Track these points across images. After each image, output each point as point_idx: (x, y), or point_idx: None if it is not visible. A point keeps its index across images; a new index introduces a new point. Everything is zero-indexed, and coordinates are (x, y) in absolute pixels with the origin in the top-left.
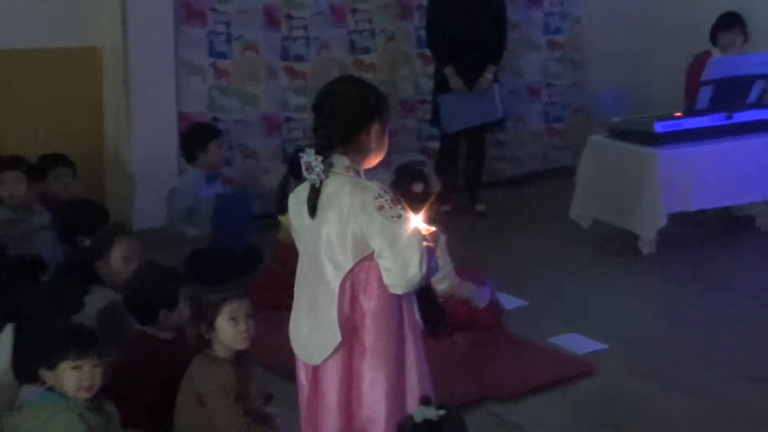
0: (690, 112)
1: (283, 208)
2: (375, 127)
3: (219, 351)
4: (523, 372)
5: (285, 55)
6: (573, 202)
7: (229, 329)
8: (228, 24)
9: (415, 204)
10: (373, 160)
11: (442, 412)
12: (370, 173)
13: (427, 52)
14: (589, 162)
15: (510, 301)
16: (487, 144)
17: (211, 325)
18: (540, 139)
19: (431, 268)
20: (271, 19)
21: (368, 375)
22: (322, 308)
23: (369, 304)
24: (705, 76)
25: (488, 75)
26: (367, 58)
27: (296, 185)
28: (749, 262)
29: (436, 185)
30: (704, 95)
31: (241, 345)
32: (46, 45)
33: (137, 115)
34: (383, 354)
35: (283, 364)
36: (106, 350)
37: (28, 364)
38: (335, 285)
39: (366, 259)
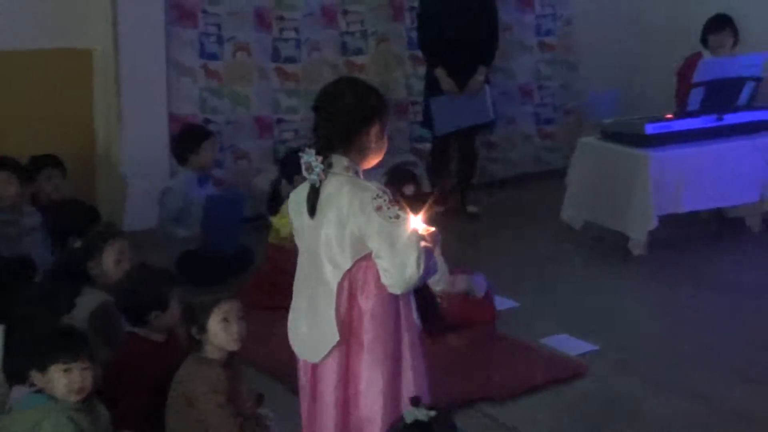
0: (681, 113)
1: (274, 210)
2: (375, 128)
3: (210, 352)
4: (516, 373)
5: (276, 56)
6: (564, 204)
7: (221, 331)
8: (219, 25)
9: (415, 205)
10: (373, 161)
11: (432, 413)
12: (364, 175)
13: (419, 53)
14: (580, 164)
15: (502, 303)
16: (478, 146)
17: (202, 327)
18: (531, 141)
19: (429, 269)
20: (262, 21)
21: (365, 374)
22: (320, 307)
23: (367, 303)
24: (696, 78)
25: (479, 77)
26: (358, 60)
27: (288, 187)
28: (740, 263)
29: (427, 187)
30: (695, 97)
31: (233, 346)
32: (37, 46)
33: (128, 117)
34: (380, 353)
35: (274, 365)
36: (98, 352)
37: (19, 366)
38: (334, 285)
39: (364, 259)
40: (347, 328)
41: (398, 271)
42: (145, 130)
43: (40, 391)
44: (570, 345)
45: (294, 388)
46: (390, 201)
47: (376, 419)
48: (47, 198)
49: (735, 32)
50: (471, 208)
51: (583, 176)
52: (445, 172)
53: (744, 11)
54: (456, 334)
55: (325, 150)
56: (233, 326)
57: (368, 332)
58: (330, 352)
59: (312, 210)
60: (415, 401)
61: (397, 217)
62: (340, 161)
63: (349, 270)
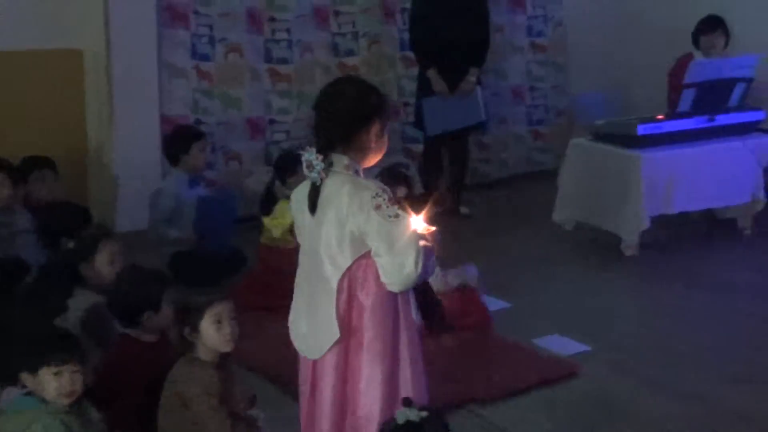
0: (672, 114)
1: (267, 211)
2: (375, 127)
3: (202, 353)
4: (508, 374)
5: (268, 57)
6: (556, 205)
7: (214, 332)
8: (211, 27)
9: (416, 204)
10: (373, 159)
11: (424, 413)
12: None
13: (411, 54)
14: (572, 164)
15: (494, 303)
16: (470, 147)
17: (195, 328)
18: (523, 142)
19: (428, 268)
20: (254, 22)
21: (365, 371)
22: (321, 305)
23: (367, 301)
24: (687, 79)
25: (471, 78)
26: (350, 61)
27: (282, 188)
28: (731, 264)
29: (419, 188)
30: (686, 98)
31: (226, 348)
32: (28, 47)
33: (120, 118)
34: (380, 350)
35: (266, 366)
36: (90, 353)
37: (10, 367)
38: (334, 282)
39: (364, 257)
40: (347, 325)
41: (397, 270)
42: (136, 132)
43: (30, 392)
44: (563, 345)
45: (286, 389)
46: (389, 200)
47: (374, 418)
48: (39, 199)
49: (726, 33)
50: (463, 209)
51: (575, 177)
52: (437, 174)
53: (735, 12)
54: (449, 335)
55: (325, 149)
56: (226, 327)
57: (368, 329)
58: (330, 350)
59: (313, 207)
60: (407, 402)
61: (396, 216)
62: (340, 160)
63: (349, 268)
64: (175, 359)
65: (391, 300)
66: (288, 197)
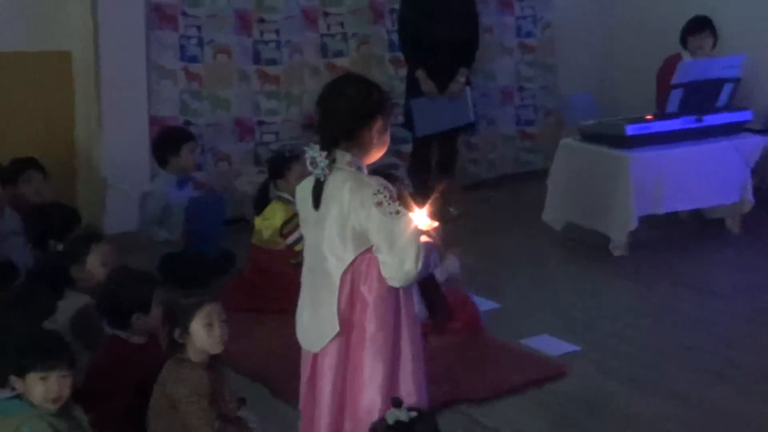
0: (661, 115)
1: (260, 211)
2: (377, 124)
3: (192, 355)
4: (497, 374)
5: (257, 58)
6: (545, 205)
7: (204, 334)
8: (199, 28)
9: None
10: (375, 156)
11: (413, 413)
12: None
13: (400, 55)
14: (561, 165)
15: (483, 304)
16: (459, 147)
17: (185, 330)
18: (512, 142)
19: (430, 263)
20: (242, 23)
21: (368, 364)
22: (323, 299)
23: (369, 295)
24: (675, 80)
25: (460, 78)
26: (339, 62)
27: (274, 189)
28: (720, 264)
29: (408, 189)
30: (674, 98)
31: (216, 349)
32: (16, 48)
33: (109, 119)
34: (382, 344)
35: (255, 367)
36: (79, 355)
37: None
38: (337, 277)
39: (367, 252)
40: (349, 319)
41: (397, 267)
42: (125, 133)
43: (17, 396)
44: (551, 346)
45: (274, 390)
46: (391, 197)
47: (375, 411)
48: (28, 201)
49: (714, 34)
50: (452, 210)
51: (563, 177)
52: (426, 174)
53: (723, 13)
54: (437, 336)
55: (328, 146)
56: (216, 329)
57: (371, 323)
58: (330, 344)
59: (316, 203)
60: (397, 402)
61: (397, 212)
62: (343, 157)
63: (351, 263)
64: (164, 361)
65: (393, 295)
66: (279, 198)
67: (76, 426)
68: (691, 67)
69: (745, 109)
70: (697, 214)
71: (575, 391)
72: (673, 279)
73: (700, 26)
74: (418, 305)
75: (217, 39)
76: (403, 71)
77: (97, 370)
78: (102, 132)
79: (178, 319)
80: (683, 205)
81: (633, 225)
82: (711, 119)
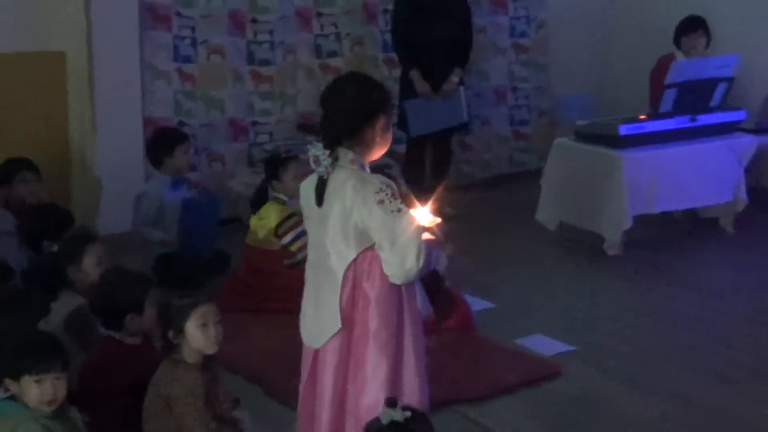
0: (654, 115)
1: (255, 211)
2: (379, 123)
3: (187, 356)
4: (492, 374)
5: (251, 59)
6: (539, 205)
7: (199, 334)
8: (193, 28)
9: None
10: (378, 153)
11: (408, 413)
12: None
13: (394, 56)
14: (554, 165)
15: (478, 303)
16: (453, 147)
17: (180, 330)
18: (506, 143)
19: (431, 261)
20: (236, 24)
21: (371, 362)
22: (325, 295)
23: (372, 292)
24: (668, 80)
25: (454, 78)
26: (333, 62)
27: (272, 191)
28: (716, 263)
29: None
30: (668, 98)
31: (211, 350)
32: (10, 49)
33: (102, 120)
34: (385, 341)
35: (249, 367)
36: (73, 356)
37: None
38: (339, 274)
39: (369, 249)
40: (351, 316)
41: (398, 265)
42: (119, 134)
43: (12, 397)
44: (546, 345)
45: (269, 391)
46: (393, 195)
47: (378, 406)
48: (22, 202)
49: (707, 34)
50: (446, 210)
51: (558, 177)
52: (420, 174)
53: (716, 13)
54: (430, 334)
55: (331, 144)
56: (211, 330)
57: (374, 319)
58: (331, 340)
59: (320, 200)
60: (391, 402)
61: (399, 210)
62: (346, 155)
63: (354, 260)
64: (159, 362)
65: (395, 293)
66: (275, 199)
67: (71, 427)
68: (685, 67)
69: (738, 108)
70: (691, 214)
71: (570, 390)
72: (668, 278)
73: (693, 26)
74: (421, 302)
75: (211, 39)
76: (397, 72)
77: (91, 371)
78: (96, 132)
79: (172, 319)
80: (677, 204)
81: (627, 224)
82: (704, 119)
